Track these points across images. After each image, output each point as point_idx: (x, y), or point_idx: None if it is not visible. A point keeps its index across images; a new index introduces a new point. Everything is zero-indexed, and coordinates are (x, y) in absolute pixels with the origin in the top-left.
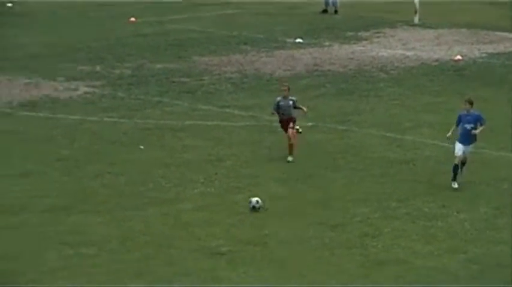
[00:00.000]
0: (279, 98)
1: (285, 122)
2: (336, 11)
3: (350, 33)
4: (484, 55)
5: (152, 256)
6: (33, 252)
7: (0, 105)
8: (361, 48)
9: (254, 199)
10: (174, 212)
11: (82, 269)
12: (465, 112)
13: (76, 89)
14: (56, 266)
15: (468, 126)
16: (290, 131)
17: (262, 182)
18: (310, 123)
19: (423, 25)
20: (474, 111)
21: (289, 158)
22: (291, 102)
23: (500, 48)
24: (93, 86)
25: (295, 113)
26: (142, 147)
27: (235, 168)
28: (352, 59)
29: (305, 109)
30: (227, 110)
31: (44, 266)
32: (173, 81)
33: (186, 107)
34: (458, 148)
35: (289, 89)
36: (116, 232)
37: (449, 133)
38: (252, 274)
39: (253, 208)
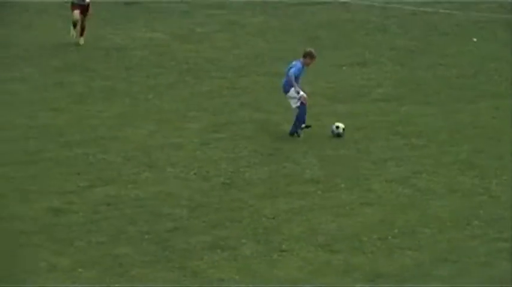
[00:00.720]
0: None
1: None
2: None
3: None
4: None
5: (480, 149)
6: (367, 140)
7: None
8: None
9: (334, 126)
10: (504, 106)
11: (411, 160)
12: None
13: None
14: (386, 157)
15: None
16: None
17: None
18: None
19: None
20: None
21: None
22: None
23: None
24: None
25: None
26: (475, 40)
27: None
28: None
29: None
30: None
31: (374, 155)
32: None
33: None
34: None
35: None
36: (446, 124)
37: None
38: None
39: (338, 135)
